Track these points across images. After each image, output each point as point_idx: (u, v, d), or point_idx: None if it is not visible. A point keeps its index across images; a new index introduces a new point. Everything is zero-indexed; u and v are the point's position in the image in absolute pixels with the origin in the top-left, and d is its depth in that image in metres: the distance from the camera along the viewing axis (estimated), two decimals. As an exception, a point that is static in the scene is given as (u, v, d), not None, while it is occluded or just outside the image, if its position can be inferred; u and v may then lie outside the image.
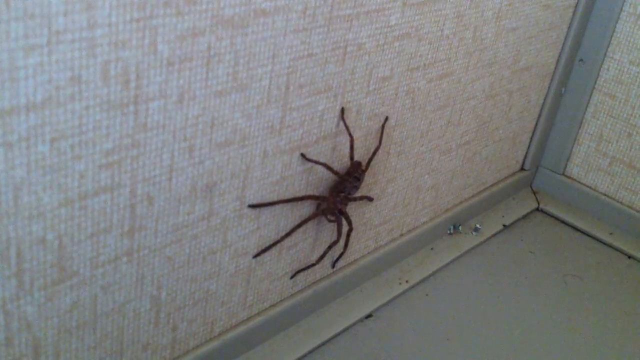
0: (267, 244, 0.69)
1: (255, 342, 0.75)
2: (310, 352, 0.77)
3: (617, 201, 1.06)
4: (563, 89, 1.06)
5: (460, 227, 1.01)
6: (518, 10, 0.87)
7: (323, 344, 0.78)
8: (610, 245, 1.04)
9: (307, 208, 0.72)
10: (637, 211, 1.05)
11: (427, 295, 0.89)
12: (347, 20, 0.64)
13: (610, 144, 1.05)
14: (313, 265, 0.75)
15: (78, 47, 0.45)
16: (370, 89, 0.71)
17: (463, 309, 0.87)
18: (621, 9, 0.98)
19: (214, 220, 0.62)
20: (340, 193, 0.71)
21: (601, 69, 1.03)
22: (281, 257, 0.73)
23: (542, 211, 1.11)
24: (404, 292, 0.88)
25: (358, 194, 0.75)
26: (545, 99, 1.05)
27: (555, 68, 1.03)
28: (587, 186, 1.09)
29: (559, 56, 1.02)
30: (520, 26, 0.89)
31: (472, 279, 0.93)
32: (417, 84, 0.77)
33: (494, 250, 1.00)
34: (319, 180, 0.71)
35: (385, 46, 0.70)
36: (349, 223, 0.73)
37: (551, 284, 0.94)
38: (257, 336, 0.74)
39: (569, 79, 1.06)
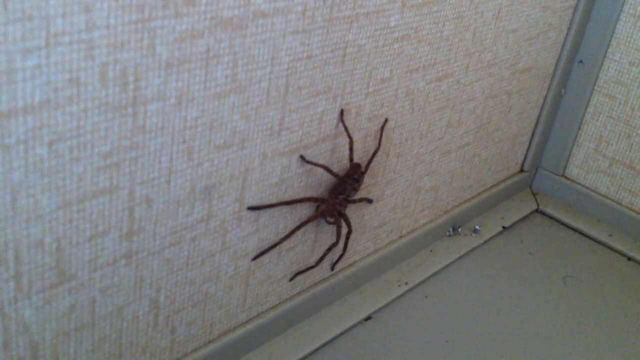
0: (266, 246, 0.69)
1: (254, 344, 0.74)
2: (310, 354, 0.77)
3: (617, 203, 1.06)
4: (563, 90, 1.06)
5: (459, 229, 1.00)
6: (518, 11, 0.87)
7: (322, 346, 0.78)
8: (609, 247, 1.04)
9: (306, 210, 0.71)
10: (637, 213, 1.05)
11: (426, 297, 0.89)
12: (347, 22, 0.63)
13: (609, 145, 1.05)
14: (312, 267, 0.75)
15: (76, 49, 0.45)
16: (370, 90, 0.71)
17: (462, 311, 0.87)
18: (621, 10, 0.98)
19: (213, 223, 0.62)
20: (339, 195, 0.71)
21: (601, 70, 1.03)
22: (280, 260, 0.72)
23: (542, 213, 1.10)
24: (403, 294, 0.88)
25: (357, 195, 0.75)
26: (544, 100, 1.05)
27: (555, 69, 1.02)
28: (587, 187, 1.09)
29: (559, 57, 1.02)
30: (520, 27, 0.89)
31: (472, 280, 0.93)
32: (416, 85, 0.77)
33: (493, 252, 0.99)
34: (318, 182, 0.71)
35: (384, 47, 0.70)
36: (348, 225, 0.73)
37: (551, 286, 0.94)
38: (256, 338, 0.74)
39: (569, 80, 1.05)
